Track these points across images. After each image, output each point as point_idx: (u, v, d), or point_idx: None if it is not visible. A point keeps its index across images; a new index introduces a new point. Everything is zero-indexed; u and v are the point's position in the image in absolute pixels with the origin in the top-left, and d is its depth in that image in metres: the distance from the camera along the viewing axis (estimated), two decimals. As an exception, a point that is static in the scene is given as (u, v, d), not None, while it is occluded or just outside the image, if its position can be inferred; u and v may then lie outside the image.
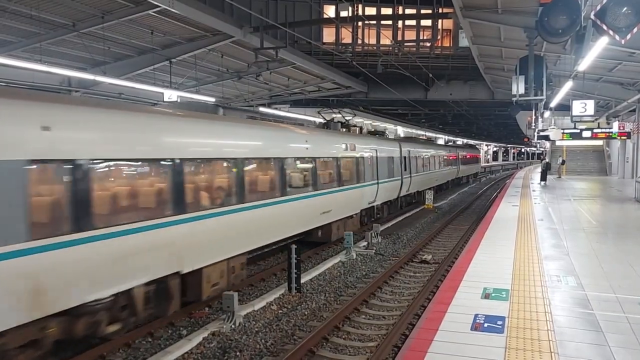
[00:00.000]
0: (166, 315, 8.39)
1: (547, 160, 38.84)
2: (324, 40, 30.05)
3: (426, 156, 26.56)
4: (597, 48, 9.01)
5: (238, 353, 7.48)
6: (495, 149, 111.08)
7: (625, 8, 7.01)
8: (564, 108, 23.97)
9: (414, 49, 30.38)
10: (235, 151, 9.83)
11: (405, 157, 21.83)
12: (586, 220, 14.52)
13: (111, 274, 6.67)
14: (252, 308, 9.27)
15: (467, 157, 44.04)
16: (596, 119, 25.15)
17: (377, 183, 17.92)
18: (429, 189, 27.00)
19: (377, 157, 17.95)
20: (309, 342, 7.58)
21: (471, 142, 69.70)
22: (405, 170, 21.75)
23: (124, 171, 7.21)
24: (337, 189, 14.44)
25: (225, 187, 9.58)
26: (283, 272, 11.65)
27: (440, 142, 60.07)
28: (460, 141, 66.00)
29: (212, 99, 21.04)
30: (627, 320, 6.22)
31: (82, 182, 6.24)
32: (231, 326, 8.38)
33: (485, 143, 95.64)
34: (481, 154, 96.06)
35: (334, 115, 20.89)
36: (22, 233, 5.47)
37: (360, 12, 28.11)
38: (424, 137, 50.23)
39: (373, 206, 18.28)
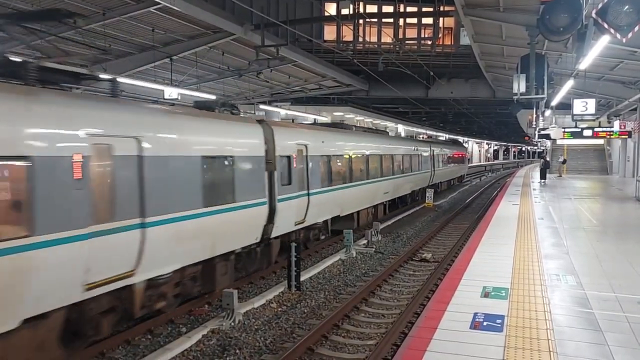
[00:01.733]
0: None
1: (547, 158, 38.77)
2: (325, 38, 30.09)
3: (358, 156, 16.73)
4: (599, 46, 9.00)
5: (237, 351, 7.49)
6: (495, 147, 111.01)
7: (626, 6, 6.99)
8: (565, 107, 23.94)
9: (415, 47, 30.38)
10: None
11: (290, 158, 12.01)
12: (586, 219, 14.51)
13: None
14: (252, 306, 9.28)
15: (448, 156, 34.65)
16: (597, 118, 25.10)
17: (143, 226, 7.46)
18: (366, 209, 18.09)
19: (149, 157, 7.65)
20: (308, 340, 7.59)
21: (455, 137, 60.37)
22: (290, 184, 11.94)
23: None
24: None
25: None
26: (283, 270, 11.66)
27: (440, 136, 53.94)
28: (441, 135, 56.48)
29: (213, 97, 21.02)
30: (627, 319, 6.21)
31: None
32: (231, 324, 8.38)
33: (486, 142, 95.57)
34: (480, 152, 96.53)
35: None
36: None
37: (361, 10, 28.08)
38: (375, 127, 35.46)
39: (132, 286, 7.52)
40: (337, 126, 17.80)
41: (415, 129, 48.95)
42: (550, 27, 8.45)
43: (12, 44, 14.93)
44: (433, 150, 29.26)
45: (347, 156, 15.86)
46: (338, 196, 14.89)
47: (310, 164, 13.04)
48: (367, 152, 17.64)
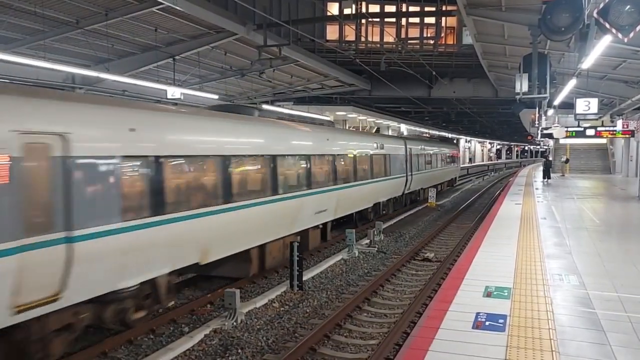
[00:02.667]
0: None
1: (549, 157, 38.70)
2: (328, 38, 30.10)
3: (249, 159, 10.49)
4: (601, 46, 8.97)
5: (239, 350, 7.50)
6: (498, 146, 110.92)
7: (628, 6, 6.97)
8: (568, 106, 23.85)
9: (418, 46, 30.37)
10: None
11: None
12: (589, 219, 14.49)
13: None
14: (254, 305, 9.30)
15: (433, 156, 28.33)
16: (600, 117, 25.07)
17: None
18: (282, 239, 11.76)
19: None
20: (311, 340, 7.60)
21: (444, 133, 52.77)
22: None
23: None
24: None
25: None
26: (285, 270, 11.67)
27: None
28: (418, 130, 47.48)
29: (216, 97, 21.08)
30: (629, 319, 6.21)
31: None
32: (233, 323, 8.40)
33: (488, 141, 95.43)
34: (482, 151, 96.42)
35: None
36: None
37: (363, 10, 28.08)
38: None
39: None
40: (222, 109, 11.42)
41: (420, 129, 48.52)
42: (551, 26, 8.44)
43: (15, 44, 15.02)
44: (410, 149, 22.83)
45: (220, 158, 9.27)
46: (188, 230, 8.31)
47: (77, 174, 6.46)
48: (275, 152, 11.07)
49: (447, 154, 32.99)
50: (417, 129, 48.00)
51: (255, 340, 7.89)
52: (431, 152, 27.87)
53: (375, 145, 18.26)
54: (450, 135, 57.00)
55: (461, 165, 61.29)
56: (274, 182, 11.00)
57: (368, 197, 17.59)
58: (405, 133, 43.72)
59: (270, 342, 7.88)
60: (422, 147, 25.86)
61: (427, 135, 42.67)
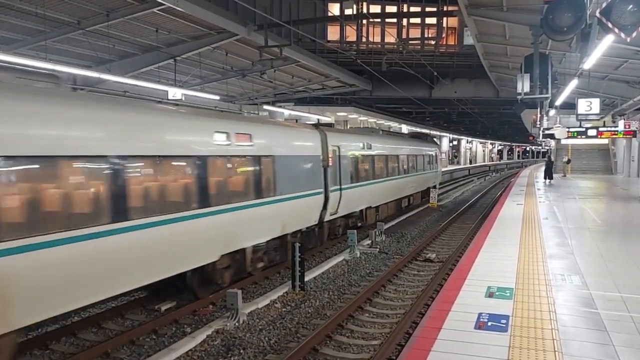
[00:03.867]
0: None
1: (551, 158, 38.67)
2: (329, 38, 30.11)
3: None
4: (603, 46, 8.95)
5: (242, 351, 7.50)
6: (500, 147, 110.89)
7: (630, 6, 6.95)
8: (570, 106, 23.85)
9: (419, 47, 30.39)
10: None
11: None
12: (591, 219, 14.47)
13: None
14: (256, 306, 9.30)
15: (393, 160, 19.55)
16: (601, 118, 25.05)
17: None
18: None
19: None
20: (313, 340, 7.59)
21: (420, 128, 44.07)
22: None
23: None
24: None
25: None
26: (287, 270, 11.66)
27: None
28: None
29: (217, 97, 21.08)
30: (632, 319, 6.19)
31: None
32: (235, 324, 8.39)
33: (490, 142, 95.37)
34: (484, 152, 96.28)
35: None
36: None
37: (364, 10, 28.09)
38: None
39: None
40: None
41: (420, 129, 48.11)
42: (553, 26, 8.41)
43: (16, 45, 15.03)
44: (337, 148, 14.35)
45: None
46: None
47: None
48: None
49: (419, 155, 23.68)
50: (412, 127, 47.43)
51: (258, 341, 7.88)
52: (386, 152, 18.81)
53: (224, 137, 9.42)
54: (431, 131, 46.00)
55: (462, 166, 61.20)
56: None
57: (201, 245, 8.83)
58: (405, 131, 40.21)
59: (272, 343, 7.88)
60: (366, 143, 16.77)
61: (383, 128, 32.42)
